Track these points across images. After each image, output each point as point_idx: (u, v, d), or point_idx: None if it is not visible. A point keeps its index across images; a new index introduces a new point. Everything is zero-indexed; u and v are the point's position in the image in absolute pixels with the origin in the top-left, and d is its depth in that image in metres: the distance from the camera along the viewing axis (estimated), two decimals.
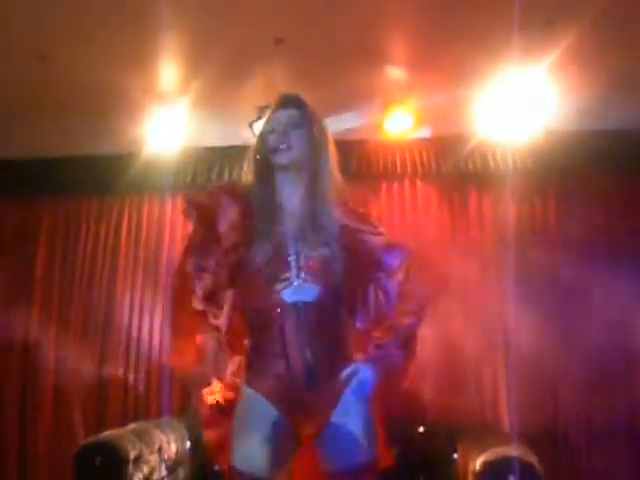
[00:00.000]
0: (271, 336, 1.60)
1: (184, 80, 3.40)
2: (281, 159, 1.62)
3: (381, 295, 1.70)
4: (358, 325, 1.71)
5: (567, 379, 3.45)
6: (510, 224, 3.60)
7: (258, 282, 1.60)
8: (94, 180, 3.98)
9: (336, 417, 1.60)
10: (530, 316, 3.48)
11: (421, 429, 3.28)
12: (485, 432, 3.09)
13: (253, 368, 1.64)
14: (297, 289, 1.59)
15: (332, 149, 1.70)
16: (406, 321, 1.67)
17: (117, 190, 3.93)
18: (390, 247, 1.71)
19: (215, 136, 3.87)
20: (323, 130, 1.70)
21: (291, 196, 1.66)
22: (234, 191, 1.68)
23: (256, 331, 1.65)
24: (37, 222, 4.13)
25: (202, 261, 1.62)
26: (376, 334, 1.67)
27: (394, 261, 1.70)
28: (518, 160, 3.66)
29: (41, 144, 3.92)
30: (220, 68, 3.12)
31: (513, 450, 2.64)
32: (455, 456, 3.06)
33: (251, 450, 1.54)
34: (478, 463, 2.61)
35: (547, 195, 3.73)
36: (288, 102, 1.69)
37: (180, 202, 3.97)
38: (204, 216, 1.64)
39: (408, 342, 1.67)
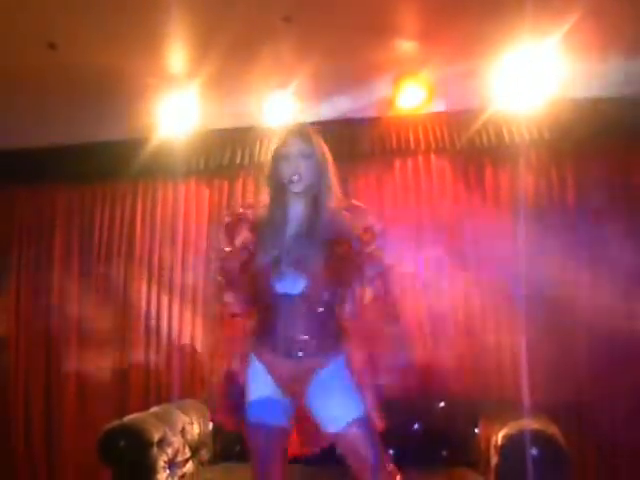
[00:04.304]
0: (268, 317, 2.01)
1: (193, 62, 3.38)
2: (295, 189, 2.00)
3: (362, 294, 2.00)
4: (347, 317, 2.02)
5: (590, 352, 3.41)
6: (527, 196, 3.54)
7: (261, 276, 1.99)
8: (107, 166, 3.97)
9: (321, 382, 1.96)
10: (550, 288, 3.44)
11: (442, 404, 3.27)
12: (506, 406, 3.07)
13: (258, 338, 2.04)
14: (287, 282, 1.95)
15: (332, 168, 2.06)
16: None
17: (130, 175, 3.93)
18: (371, 257, 2.00)
19: (227, 118, 3.85)
20: (325, 155, 2.05)
21: (297, 209, 2.03)
22: (245, 214, 2.11)
23: (260, 311, 2.06)
24: (52, 210, 4.16)
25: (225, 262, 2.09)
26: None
27: (371, 271, 2.00)
28: (534, 131, 3.58)
29: (52, 132, 3.93)
30: (229, 49, 3.09)
31: (535, 423, 2.63)
32: (476, 430, 3.06)
33: (259, 405, 1.98)
34: (500, 437, 2.61)
35: (564, 165, 3.64)
36: (298, 134, 2.04)
37: (193, 185, 4.00)
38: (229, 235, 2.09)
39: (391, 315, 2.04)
